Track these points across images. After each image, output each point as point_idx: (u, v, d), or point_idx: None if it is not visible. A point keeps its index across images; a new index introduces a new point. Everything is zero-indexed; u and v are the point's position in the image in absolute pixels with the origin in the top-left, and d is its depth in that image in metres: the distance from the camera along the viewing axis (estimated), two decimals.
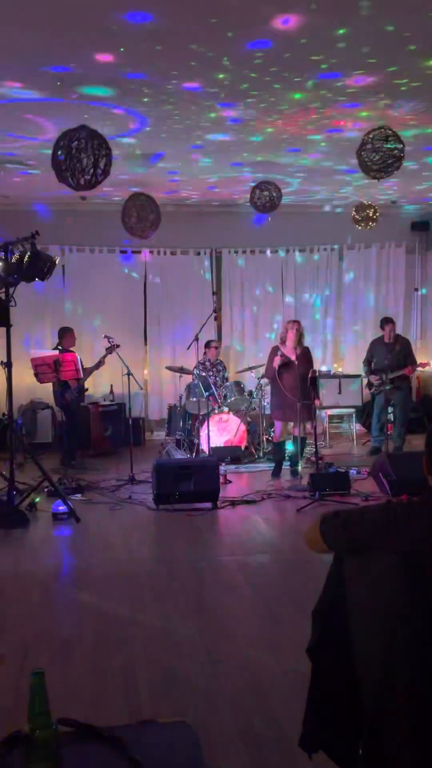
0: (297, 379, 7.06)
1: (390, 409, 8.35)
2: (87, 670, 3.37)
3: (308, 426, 7.45)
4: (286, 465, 7.57)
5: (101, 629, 3.83)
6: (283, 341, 7.36)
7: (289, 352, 7.25)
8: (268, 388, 7.93)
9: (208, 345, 9.08)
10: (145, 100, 5.39)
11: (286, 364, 7.19)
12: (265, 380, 8.00)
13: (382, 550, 1.90)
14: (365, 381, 8.94)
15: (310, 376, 6.93)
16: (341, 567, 2.09)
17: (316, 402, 7.28)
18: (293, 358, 7.20)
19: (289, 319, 7.71)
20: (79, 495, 6.75)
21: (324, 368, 9.84)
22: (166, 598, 4.28)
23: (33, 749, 1.38)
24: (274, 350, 7.39)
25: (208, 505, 6.31)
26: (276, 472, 7.48)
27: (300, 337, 7.31)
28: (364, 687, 1.95)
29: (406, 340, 8.66)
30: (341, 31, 4.22)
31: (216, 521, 6.08)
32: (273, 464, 7.61)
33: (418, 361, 8.67)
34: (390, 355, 8.23)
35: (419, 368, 8.72)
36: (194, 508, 6.26)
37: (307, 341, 10.17)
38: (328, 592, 2.16)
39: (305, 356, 7.25)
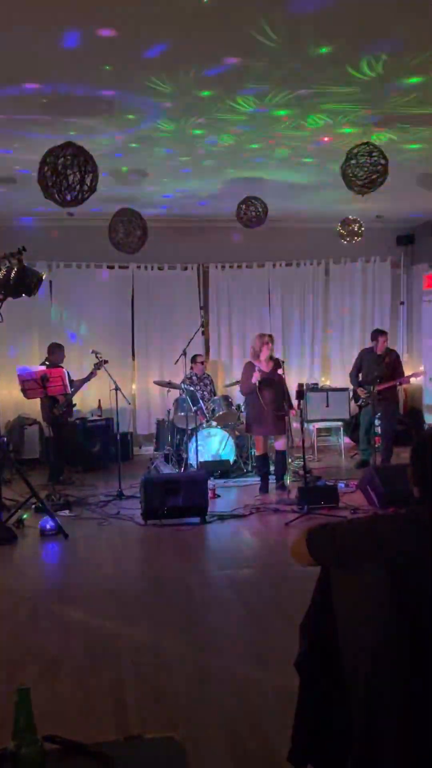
0: (276, 393, 7.10)
1: (377, 422, 8.37)
2: (75, 686, 3.34)
3: (296, 440, 7.47)
4: (271, 478, 7.57)
5: (89, 646, 3.81)
6: (256, 356, 7.36)
7: (264, 366, 7.28)
8: None
9: (194, 360, 9.09)
10: (131, 117, 5.44)
11: (264, 378, 7.21)
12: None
13: (369, 562, 1.91)
14: (352, 393, 8.94)
15: (297, 389, 6.96)
16: (328, 580, 2.10)
17: (292, 413, 7.32)
18: (268, 371, 7.23)
19: (261, 333, 7.71)
20: (67, 511, 6.71)
21: (311, 381, 9.86)
22: (154, 613, 4.26)
23: (19, 767, 1.37)
24: (250, 366, 7.38)
25: (197, 519, 6.29)
26: (263, 487, 7.48)
27: (272, 351, 7.36)
28: (353, 700, 1.95)
29: (396, 353, 8.68)
30: (323, 50, 4.29)
31: (204, 536, 6.06)
32: (260, 478, 7.61)
33: (406, 373, 8.70)
34: (379, 367, 8.25)
35: (412, 378, 8.73)
36: (183, 523, 6.24)
37: (294, 355, 10.30)
38: (315, 605, 2.16)
39: (278, 368, 7.28)
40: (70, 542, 5.82)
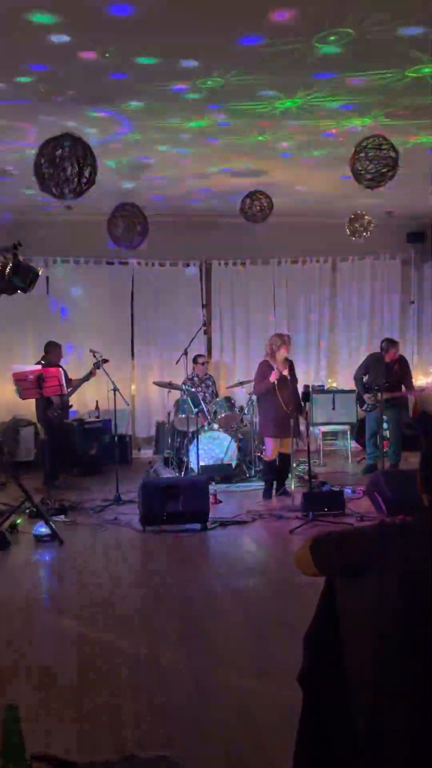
0: (292, 394, 7.08)
1: (385, 426, 8.34)
2: (68, 701, 3.32)
3: (301, 443, 7.45)
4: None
5: (84, 658, 3.79)
6: (272, 355, 7.36)
7: (280, 366, 7.27)
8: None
9: (195, 360, 9.08)
10: (132, 104, 5.42)
11: (280, 378, 7.20)
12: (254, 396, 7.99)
13: (376, 573, 1.89)
14: (356, 397, 8.89)
15: (303, 391, 6.96)
16: (333, 590, 2.08)
17: (303, 416, 7.32)
18: (285, 372, 7.22)
19: (279, 333, 7.71)
20: (62, 516, 6.69)
21: (317, 383, 9.84)
22: (152, 624, 4.24)
23: None
24: (266, 365, 7.38)
25: (197, 526, 6.27)
26: (267, 493, 7.46)
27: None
28: (358, 717, 1.93)
29: (405, 361, 8.62)
30: (331, 38, 4.27)
31: (205, 543, 6.04)
32: (264, 483, 7.59)
33: (416, 380, 8.63)
34: (388, 374, 8.20)
35: (419, 391, 8.68)
36: (183, 529, 6.22)
37: (299, 355, 10.28)
38: (319, 616, 2.14)
39: (293, 370, 7.28)
40: (65, 549, 5.80)
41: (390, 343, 8.47)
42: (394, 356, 8.37)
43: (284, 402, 7.13)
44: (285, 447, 7.36)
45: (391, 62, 4.66)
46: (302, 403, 7.14)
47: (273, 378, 7.19)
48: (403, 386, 8.36)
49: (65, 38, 4.19)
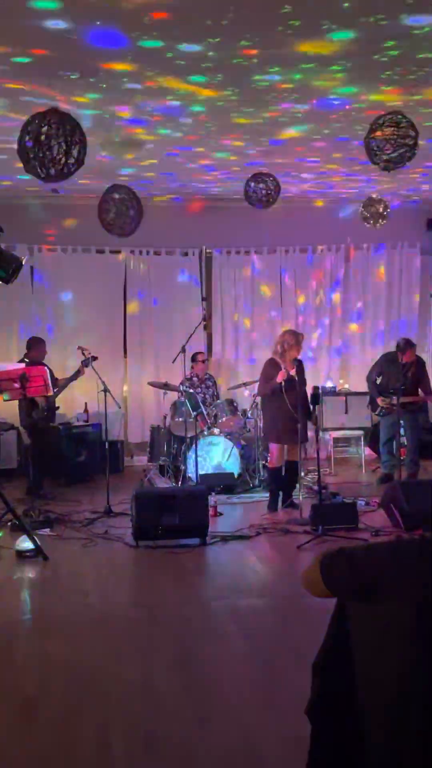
0: (298, 396, 7.11)
1: (401, 431, 8.32)
2: (54, 731, 3.33)
3: (310, 451, 7.46)
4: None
5: (71, 684, 3.79)
6: (281, 354, 7.35)
7: (288, 366, 7.27)
8: None
9: (194, 358, 9.09)
10: (124, 78, 5.43)
11: (288, 379, 7.21)
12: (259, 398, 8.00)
13: (393, 594, 1.89)
14: (369, 401, 8.88)
15: (312, 392, 6.96)
16: (345, 613, 2.08)
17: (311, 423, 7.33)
18: (293, 373, 7.23)
19: (293, 330, 7.71)
20: (47, 529, 6.70)
21: (327, 384, 9.85)
22: (146, 648, 4.24)
23: None
24: (273, 363, 7.39)
25: (196, 541, 6.28)
26: (272, 504, 7.47)
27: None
28: (372, 752, 1.93)
29: (423, 363, 8.58)
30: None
31: (204, 560, 6.05)
32: (269, 494, 7.59)
33: None
34: (404, 378, 8.19)
35: None
36: (179, 544, 6.23)
37: (309, 354, 10.28)
38: (330, 642, 2.14)
39: (302, 371, 7.29)
40: (51, 565, 5.80)
41: (408, 344, 8.41)
42: (411, 358, 8.35)
43: (291, 405, 7.13)
44: (292, 454, 7.37)
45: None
46: (310, 407, 7.16)
47: (280, 378, 7.19)
48: (420, 390, 8.35)
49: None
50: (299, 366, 7.28)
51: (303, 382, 7.22)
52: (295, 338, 7.40)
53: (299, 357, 7.38)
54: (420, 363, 8.50)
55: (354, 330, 10.57)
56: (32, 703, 3.61)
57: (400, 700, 1.88)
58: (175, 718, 3.44)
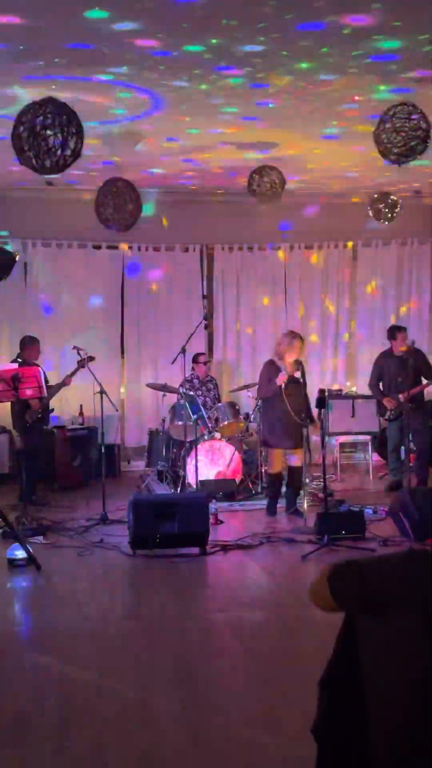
0: (299, 399, 7.12)
1: (410, 436, 8.31)
2: (46, 750, 3.31)
3: (315, 456, 7.46)
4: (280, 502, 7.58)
5: (64, 700, 3.78)
6: (281, 356, 7.37)
7: (289, 368, 7.29)
8: None
9: (195, 359, 9.08)
10: (124, 67, 5.43)
11: (289, 382, 7.21)
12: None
13: (404, 609, 1.88)
14: (376, 406, 8.86)
15: (318, 396, 6.95)
16: (353, 627, 2.07)
17: (315, 427, 7.32)
18: (295, 375, 7.24)
19: (290, 331, 7.73)
20: (40, 537, 6.69)
21: (334, 387, 9.84)
22: (143, 663, 4.23)
23: None
24: (272, 365, 7.41)
25: (196, 550, 6.27)
26: (271, 509, 7.49)
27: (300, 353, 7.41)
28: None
29: (422, 353, 8.59)
30: None
31: (204, 570, 6.04)
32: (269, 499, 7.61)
33: None
34: (404, 371, 8.20)
35: None
36: (178, 553, 6.21)
37: (314, 355, 10.28)
38: (337, 658, 2.13)
39: (303, 373, 7.30)
40: (44, 575, 5.79)
41: (396, 330, 8.53)
42: (404, 344, 8.41)
43: (293, 409, 7.14)
44: (295, 459, 7.37)
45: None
46: (313, 411, 7.17)
47: (280, 381, 7.20)
48: (423, 378, 8.34)
49: None
50: (301, 368, 7.29)
51: (305, 384, 7.23)
52: (290, 340, 7.41)
53: (300, 358, 7.38)
54: (420, 354, 8.48)
55: (362, 329, 10.56)
56: (24, 719, 3.60)
57: (411, 718, 1.87)
58: (172, 737, 3.42)
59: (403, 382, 8.06)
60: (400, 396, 8.11)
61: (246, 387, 9.00)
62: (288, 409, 7.19)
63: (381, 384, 8.55)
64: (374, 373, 8.70)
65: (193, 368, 9.08)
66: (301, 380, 7.22)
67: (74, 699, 3.81)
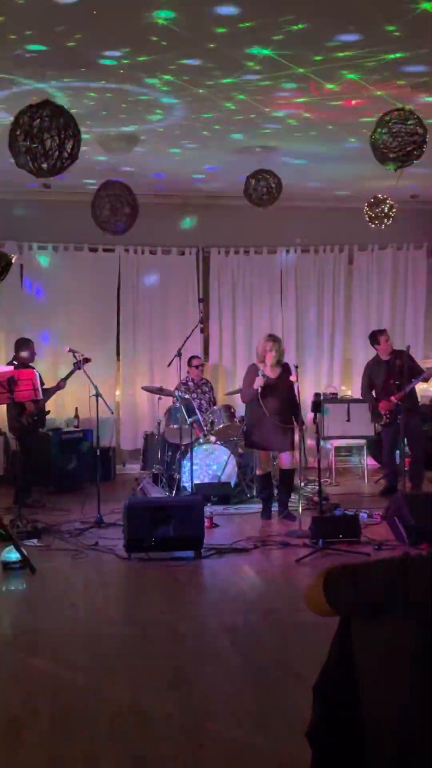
0: (282, 403, 7.19)
1: (404, 441, 8.31)
2: (40, 756, 3.30)
3: (310, 460, 7.47)
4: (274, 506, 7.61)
5: (58, 705, 3.76)
6: (261, 359, 7.42)
7: (269, 371, 7.32)
8: None
9: (189, 363, 9.08)
10: (121, 72, 5.44)
11: (269, 384, 7.25)
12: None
13: (399, 613, 1.88)
14: (370, 412, 8.85)
15: (313, 400, 6.98)
16: (349, 631, 2.07)
17: (296, 428, 7.36)
18: (274, 377, 7.28)
19: (267, 335, 7.77)
20: (35, 540, 6.68)
21: (329, 391, 9.84)
22: (137, 667, 4.22)
23: None
24: (253, 369, 7.48)
25: (191, 553, 6.27)
26: (265, 512, 7.52)
27: (280, 356, 7.43)
28: None
29: (407, 353, 8.54)
30: None
31: (199, 574, 6.03)
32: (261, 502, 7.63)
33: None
34: (394, 371, 8.21)
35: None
36: (173, 557, 6.21)
37: (310, 358, 10.29)
38: (332, 663, 2.14)
39: (287, 374, 7.32)
40: (39, 578, 5.78)
41: (377, 334, 8.61)
42: (387, 346, 8.46)
43: (269, 411, 7.22)
44: (283, 462, 7.44)
45: None
46: (309, 415, 7.20)
47: (257, 385, 7.26)
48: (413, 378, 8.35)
49: None
50: (284, 370, 7.32)
51: (289, 386, 7.25)
52: (264, 342, 7.47)
53: (283, 360, 7.41)
54: (405, 354, 8.43)
55: (357, 334, 10.56)
56: (17, 724, 3.58)
57: (406, 722, 1.87)
58: (166, 741, 3.41)
59: (395, 383, 8.06)
60: (393, 398, 8.14)
61: (240, 390, 8.99)
62: (264, 411, 7.23)
63: (374, 391, 8.54)
64: (365, 382, 8.72)
65: (188, 371, 9.08)
66: (284, 384, 7.24)
67: (68, 703, 3.79)
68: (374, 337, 8.67)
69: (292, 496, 7.59)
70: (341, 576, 2.01)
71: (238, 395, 9.09)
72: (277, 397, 7.27)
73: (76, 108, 5.40)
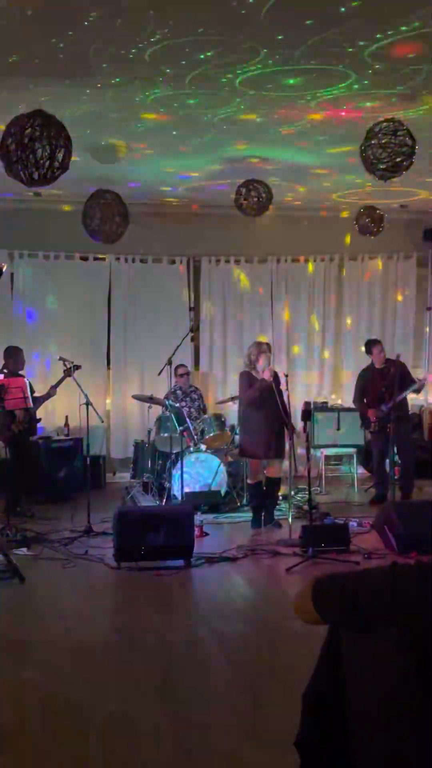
0: (275, 409, 7.21)
1: (394, 449, 8.33)
2: (29, 765, 3.29)
3: (300, 469, 7.48)
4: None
5: (47, 715, 3.75)
6: (253, 366, 7.43)
7: (263, 374, 7.35)
8: None
9: (175, 372, 9.08)
10: (113, 80, 5.46)
11: (265, 387, 7.27)
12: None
13: (389, 622, 1.89)
14: (360, 420, 8.87)
15: (303, 408, 7.00)
16: (338, 639, 2.08)
17: (287, 434, 7.38)
18: (269, 379, 7.32)
19: (258, 341, 7.81)
20: (24, 549, 6.67)
21: (319, 400, 9.87)
22: (127, 676, 4.21)
23: None
24: (248, 375, 7.48)
25: (181, 562, 6.26)
26: (255, 522, 7.52)
27: (269, 362, 7.48)
28: None
29: (400, 362, 8.59)
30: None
31: (189, 582, 6.02)
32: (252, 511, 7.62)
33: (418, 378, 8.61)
34: (385, 381, 8.25)
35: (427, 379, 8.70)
36: (164, 566, 6.20)
37: (300, 367, 10.31)
38: (321, 671, 2.14)
39: (277, 381, 7.35)
40: (27, 587, 5.75)
41: (372, 344, 8.67)
42: (381, 356, 8.51)
43: (269, 418, 7.23)
44: (272, 471, 7.44)
45: None
46: (299, 423, 7.21)
47: (257, 389, 7.24)
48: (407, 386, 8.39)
49: None
50: (276, 378, 7.36)
51: (279, 393, 7.27)
52: (258, 348, 7.50)
53: (272, 368, 7.44)
54: (400, 364, 8.47)
55: (347, 343, 10.60)
56: (5, 735, 3.57)
57: (393, 731, 1.87)
58: (156, 751, 3.41)
59: (387, 392, 8.09)
60: (383, 407, 8.17)
61: (232, 399, 9.00)
62: (266, 417, 7.25)
63: (366, 400, 8.57)
64: (357, 390, 8.75)
65: (175, 380, 9.09)
66: (278, 389, 7.26)
67: (57, 713, 3.78)
68: (368, 347, 8.75)
69: (280, 504, 7.60)
70: (329, 585, 2.02)
71: (230, 403, 9.14)
72: (272, 404, 7.27)
73: (66, 118, 5.40)
